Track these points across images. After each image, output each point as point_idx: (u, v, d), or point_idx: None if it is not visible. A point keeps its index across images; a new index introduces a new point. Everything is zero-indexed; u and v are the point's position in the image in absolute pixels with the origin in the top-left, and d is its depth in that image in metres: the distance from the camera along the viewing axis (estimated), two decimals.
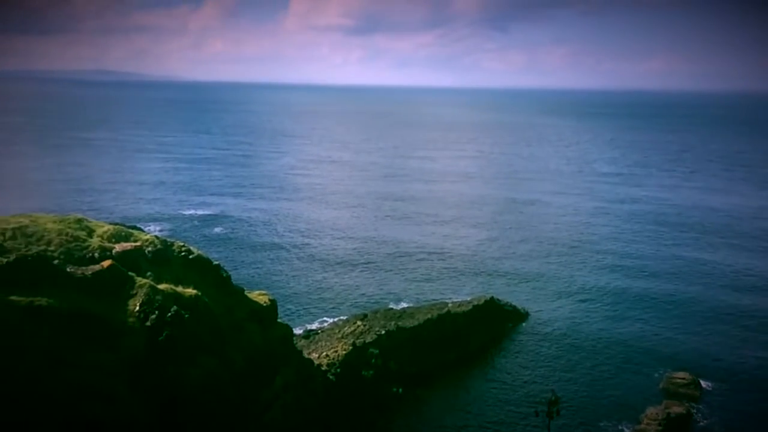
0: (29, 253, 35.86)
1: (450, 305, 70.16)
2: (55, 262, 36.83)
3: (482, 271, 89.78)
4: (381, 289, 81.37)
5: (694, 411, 53.35)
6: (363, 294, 79.53)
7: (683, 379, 57.77)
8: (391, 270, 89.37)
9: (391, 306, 73.44)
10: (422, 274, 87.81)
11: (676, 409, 51.48)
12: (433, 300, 75.64)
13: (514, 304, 75.23)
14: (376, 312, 68.92)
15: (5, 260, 34.17)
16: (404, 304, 74.28)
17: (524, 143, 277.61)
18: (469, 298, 74.35)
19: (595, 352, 64.56)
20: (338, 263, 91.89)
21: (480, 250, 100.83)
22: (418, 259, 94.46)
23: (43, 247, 39.22)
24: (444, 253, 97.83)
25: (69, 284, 35.35)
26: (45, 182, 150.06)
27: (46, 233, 41.38)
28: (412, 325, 63.44)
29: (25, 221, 42.46)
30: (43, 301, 32.86)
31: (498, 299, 74.32)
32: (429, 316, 65.93)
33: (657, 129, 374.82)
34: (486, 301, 71.85)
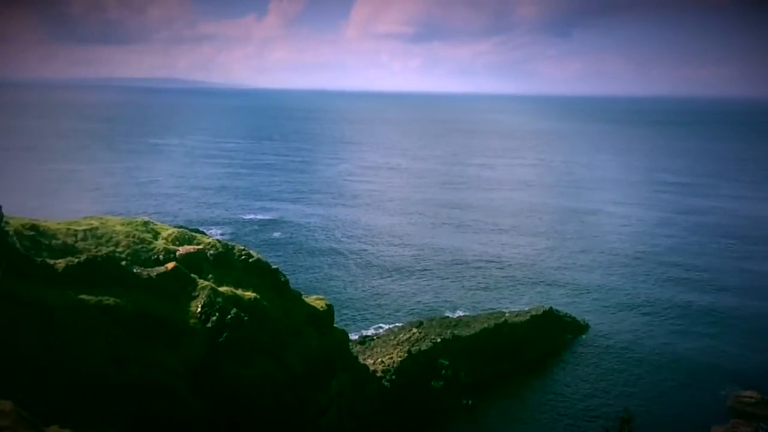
0: (99, 254, 37.38)
1: (507, 315, 69.23)
2: (123, 263, 38.28)
3: (541, 281, 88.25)
4: (437, 297, 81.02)
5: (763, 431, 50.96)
6: (419, 301, 79.36)
7: (752, 398, 55.19)
8: (447, 278, 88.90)
9: (447, 314, 73.01)
10: (479, 283, 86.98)
11: (744, 429, 49.29)
12: (490, 309, 74.80)
13: (573, 315, 73.61)
14: (431, 320, 68.67)
15: (76, 260, 35.71)
16: (460, 313, 73.72)
17: (585, 151, 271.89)
18: (527, 308, 73.19)
19: (659, 367, 62.44)
20: (395, 270, 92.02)
21: (539, 259, 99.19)
22: (475, 268, 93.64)
23: (111, 249, 40.90)
24: (502, 262, 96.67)
25: (135, 285, 36.65)
26: (116, 186, 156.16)
27: (114, 235, 43.15)
28: (468, 334, 62.87)
29: (96, 223, 44.37)
30: (110, 300, 34.18)
31: (557, 310, 72.88)
32: (485, 325, 65.22)
33: (723, 137, 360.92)
34: (544, 312, 70.57)
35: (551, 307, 72.48)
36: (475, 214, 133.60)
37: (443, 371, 57.01)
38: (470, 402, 54.55)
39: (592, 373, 61.35)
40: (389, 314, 74.78)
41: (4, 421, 20.55)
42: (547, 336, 67.33)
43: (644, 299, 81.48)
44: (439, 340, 60.58)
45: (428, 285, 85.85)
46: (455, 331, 63.00)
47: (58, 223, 43.25)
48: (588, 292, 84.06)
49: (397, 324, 70.16)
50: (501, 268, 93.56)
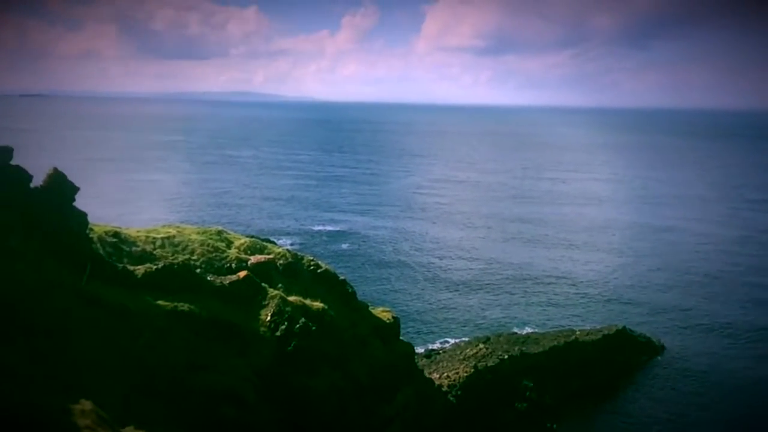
0: (175, 261, 38.78)
1: (578, 333, 67.42)
2: (198, 270, 39.55)
3: (614, 299, 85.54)
4: (505, 313, 79.80)
5: None
6: (486, 316, 78.38)
7: None
8: (516, 293, 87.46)
9: (515, 330, 71.78)
10: (549, 299, 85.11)
11: None
12: (560, 326, 73.03)
13: (648, 335, 70.96)
14: (499, 335, 67.67)
15: (154, 267, 37.16)
16: (529, 330, 72.31)
17: (662, 166, 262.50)
18: (599, 327, 71.06)
19: (740, 392, 59.29)
20: (462, 284, 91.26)
21: (612, 277, 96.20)
22: (545, 284, 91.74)
23: (187, 256, 42.36)
24: (573, 279, 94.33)
25: (208, 292, 37.78)
26: (192, 196, 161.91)
27: (190, 243, 44.67)
28: (536, 352, 61.60)
29: (173, 231, 46.08)
30: (185, 306, 35.34)
31: (631, 330, 70.43)
32: (555, 343, 63.73)
33: None
34: (617, 331, 68.34)
35: (625, 327, 70.13)
36: (545, 229, 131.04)
37: (527, 393, 55.97)
38: (555, 426, 53.16)
39: (668, 396, 58.86)
40: (456, 328, 74.16)
41: (84, 421, 21.51)
42: (620, 356, 65.14)
43: (724, 321, 77.68)
44: (506, 356, 59.60)
45: (496, 300, 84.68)
46: (523, 348, 61.84)
47: (138, 231, 45.17)
48: (664, 312, 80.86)
49: (463, 339, 69.48)
50: (572, 285, 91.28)
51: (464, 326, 74.96)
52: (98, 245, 38.40)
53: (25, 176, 35.10)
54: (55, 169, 36.57)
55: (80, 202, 37.55)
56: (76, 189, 36.97)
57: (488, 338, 66.38)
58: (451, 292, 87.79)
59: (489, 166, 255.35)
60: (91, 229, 39.11)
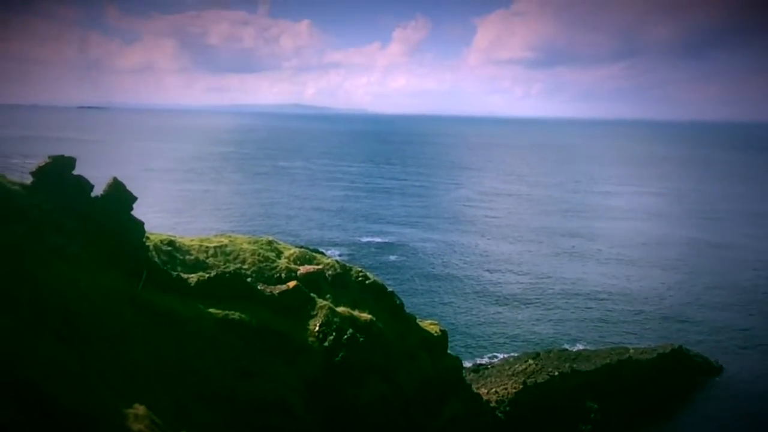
0: (227, 270, 39.48)
1: (632, 351, 65.56)
2: (248, 279, 40.13)
3: (669, 317, 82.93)
4: (555, 328, 78.28)
5: None
6: (536, 332, 77.03)
7: None
8: (567, 309, 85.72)
9: (565, 346, 70.32)
10: (601, 316, 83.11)
11: None
12: (612, 344, 71.19)
13: (705, 355, 68.49)
14: (549, 351, 66.40)
15: (207, 275, 37.91)
16: (580, 346, 70.73)
17: (718, 180, 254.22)
18: (653, 345, 68.99)
19: None
20: (511, 298, 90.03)
21: (667, 294, 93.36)
22: (597, 299, 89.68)
23: (238, 265, 43.08)
24: (626, 295, 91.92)
25: (259, 301, 38.29)
26: (244, 206, 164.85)
27: (241, 253, 45.42)
28: (588, 369, 60.14)
29: (225, 241, 46.94)
30: (236, 315, 35.89)
31: (687, 349, 68.13)
32: (607, 360, 62.11)
33: None
34: (673, 350, 66.19)
35: (681, 346, 67.90)
36: (597, 243, 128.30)
37: (592, 415, 54.73)
38: None
39: (726, 418, 56.60)
40: (504, 343, 73.12)
41: (137, 425, 22.02)
42: (675, 376, 63.04)
43: None
44: (556, 373, 58.38)
45: (546, 315, 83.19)
46: (574, 365, 60.46)
47: (192, 240, 46.19)
48: (722, 332, 77.95)
49: (512, 354, 68.45)
50: (626, 302, 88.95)
51: (513, 341, 73.85)
52: (154, 253, 39.43)
53: (86, 186, 36.38)
54: (115, 179, 37.78)
55: (137, 211, 38.67)
56: (134, 198, 38.10)
57: (538, 354, 65.21)
58: (500, 306, 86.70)
59: (540, 179, 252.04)
60: (148, 238, 40.19)
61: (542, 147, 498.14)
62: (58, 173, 35.44)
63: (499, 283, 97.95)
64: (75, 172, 36.78)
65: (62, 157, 36.12)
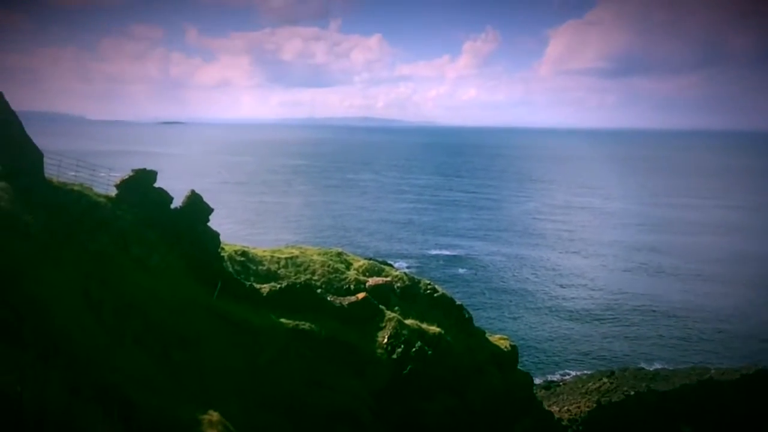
0: (298, 281, 40.20)
1: (713, 371, 62.54)
2: (318, 290, 40.70)
3: (753, 336, 78.72)
4: (631, 346, 75.58)
5: None
6: (610, 349, 74.61)
7: None
8: (643, 326, 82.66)
9: (642, 365, 67.78)
10: (680, 334, 79.71)
11: None
12: (692, 363, 68.14)
13: None
14: (624, 370, 64.20)
15: (278, 286, 38.70)
16: (657, 365, 68.02)
17: None
18: (737, 366, 65.55)
19: None
20: (584, 314, 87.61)
21: (753, 312, 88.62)
22: (675, 317, 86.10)
23: (309, 276, 43.78)
24: (707, 312, 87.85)
25: (328, 312, 38.74)
26: (314, 218, 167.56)
27: (311, 264, 46.14)
28: (666, 389, 57.72)
29: (296, 252, 47.82)
30: (306, 325, 36.44)
31: None
32: (687, 381, 59.46)
33: None
34: (759, 371, 62.64)
35: (766, 367, 64.24)
36: (675, 259, 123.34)
37: None
38: None
39: None
40: (577, 360, 71.17)
41: (212, 431, 22.64)
42: (761, 398, 59.60)
43: None
44: (632, 392, 56.35)
45: (621, 332, 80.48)
46: (651, 385, 58.21)
47: (264, 251, 47.29)
48: None
49: (585, 371, 66.53)
50: (706, 319, 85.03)
51: (586, 358, 71.78)
52: (228, 264, 40.60)
53: (166, 198, 37.91)
54: (193, 192, 39.21)
55: (213, 222, 39.97)
56: (210, 210, 39.42)
57: (613, 372, 63.14)
58: (572, 321, 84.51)
59: (613, 191, 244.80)
60: (223, 248, 41.43)
61: (616, 159, 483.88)
62: (141, 186, 37.10)
63: (571, 298, 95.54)
64: (156, 184, 38.41)
65: (144, 170, 37.79)
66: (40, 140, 35.48)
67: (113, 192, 36.94)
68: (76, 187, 34.35)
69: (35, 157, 32.33)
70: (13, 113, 31.81)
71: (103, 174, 40.48)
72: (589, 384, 59.95)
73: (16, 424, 5.48)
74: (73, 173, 36.96)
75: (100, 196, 35.57)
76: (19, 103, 33.75)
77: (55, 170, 34.96)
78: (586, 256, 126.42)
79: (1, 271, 20.81)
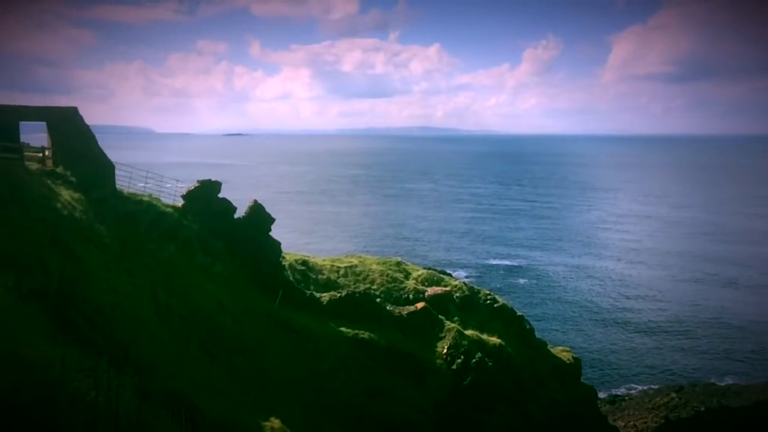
0: (357, 290, 40.45)
1: None
2: (377, 300, 40.83)
3: None
4: (701, 360, 72.60)
5: None
6: (678, 363, 71.85)
7: None
8: (713, 339, 79.28)
9: (712, 380, 64.97)
10: (752, 348, 76.05)
11: None
12: (766, 378, 64.91)
13: None
14: (694, 385, 61.71)
15: (338, 295, 39.04)
16: (729, 380, 65.07)
17: None
18: None
19: None
20: (651, 327, 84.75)
21: None
22: (747, 330, 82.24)
23: (368, 286, 43.99)
24: None
25: (387, 321, 38.81)
26: (372, 227, 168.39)
27: (370, 273, 46.36)
28: (738, 405, 55.16)
29: (355, 261, 48.15)
30: (365, 334, 36.60)
31: None
32: (761, 397, 56.68)
33: None
34: None
35: None
36: (746, 270, 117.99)
37: None
38: None
39: None
40: (643, 374, 68.82)
41: None
42: None
43: None
44: (703, 408, 54.11)
45: (690, 345, 77.44)
46: (723, 401, 55.74)
47: (324, 260, 47.83)
48: None
49: (652, 386, 64.26)
50: None
51: (653, 372, 69.33)
52: (289, 272, 41.23)
53: (230, 208, 38.88)
54: (256, 202, 40.08)
55: (274, 231, 40.69)
56: (272, 220, 40.18)
57: (681, 387, 60.80)
58: (638, 334, 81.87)
59: (680, 200, 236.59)
60: (284, 257, 42.12)
61: (683, 166, 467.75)
62: (206, 196, 38.18)
63: (637, 309, 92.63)
64: (219, 194, 39.44)
65: (209, 181, 38.89)
66: (112, 153, 36.99)
67: (180, 202, 38.15)
68: (145, 198, 35.62)
69: (108, 169, 33.71)
70: (88, 128, 33.30)
71: (169, 185, 41.86)
72: (657, 399, 57.91)
73: (92, 430, 5.69)
74: (142, 184, 38.34)
75: (167, 206, 36.78)
76: (92, 117, 35.38)
77: (125, 182, 36.37)
78: (652, 266, 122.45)
79: (76, 279, 21.74)
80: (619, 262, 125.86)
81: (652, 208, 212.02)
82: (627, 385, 65.33)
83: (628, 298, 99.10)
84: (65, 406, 6.07)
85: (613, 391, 63.30)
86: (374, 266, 47.59)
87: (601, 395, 58.97)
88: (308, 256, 47.35)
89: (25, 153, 30.14)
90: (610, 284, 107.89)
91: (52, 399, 6.13)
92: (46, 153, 32.34)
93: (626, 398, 60.50)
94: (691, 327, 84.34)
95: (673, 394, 58.03)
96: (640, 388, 64.20)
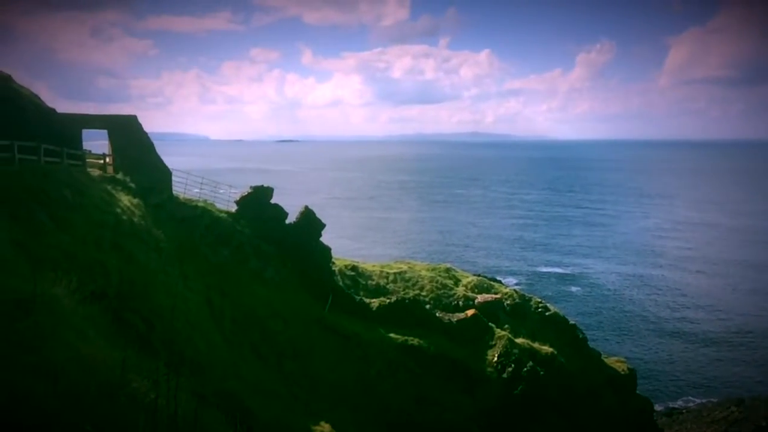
0: (407, 296, 40.41)
1: None
2: (427, 306, 40.71)
3: None
4: (763, 373, 69.71)
5: None
6: (739, 375, 69.18)
7: None
8: None
9: None
10: None
11: None
12: None
13: None
14: (755, 398, 59.24)
15: (387, 301, 39.08)
16: None
17: None
18: None
19: None
20: (710, 337, 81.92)
21: None
22: None
23: (417, 292, 43.90)
24: None
25: (437, 328, 38.64)
26: (421, 233, 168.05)
27: (420, 279, 46.26)
28: None
29: (405, 267, 48.14)
30: (415, 341, 36.51)
31: None
32: None
33: None
34: None
35: None
36: None
37: None
38: None
39: None
40: (702, 387, 66.52)
41: None
42: None
43: None
44: (764, 423, 51.88)
45: (751, 357, 74.50)
46: None
47: (373, 266, 47.98)
48: None
49: (711, 399, 62.03)
50: None
51: (712, 385, 66.95)
52: (339, 278, 41.52)
53: (282, 213, 39.43)
54: (307, 207, 40.54)
55: (324, 237, 41.05)
56: (323, 225, 40.57)
57: (742, 400, 58.45)
58: (696, 345, 79.25)
59: (740, 207, 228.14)
60: (333, 263, 42.44)
61: (744, 172, 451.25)
62: (258, 202, 38.85)
63: (695, 320, 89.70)
64: (271, 200, 40.06)
65: (262, 187, 39.57)
66: (169, 159, 38.04)
67: (233, 207, 38.92)
68: (200, 203, 36.49)
69: (165, 175, 34.67)
70: (146, 135, 34.34)
71: (223, 190, 42.77)
72: (716, 413, 55.84)
73: (152, 431, 5.83)
74: (197, 190, 39.29)
75: (221, 211, 37.58)
76: (150, 125, 36.48)
77: (182, 187, 37.34)
78: (710, 275, 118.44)
79: (134, 281, 22.39)
80: (676, 271, 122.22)
81: (710, 216, 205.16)
82: (685, 398, 63.26)
83: (685, 307, 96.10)
84: (126, 407, 6.25)
85: (670, 404, 61.37)
86: (423, 272, 47.48)
87: (658, 408, 57.23)
88: (358, 262, 47.58)
89: (87, 160, 31.26)
90: (667, 293, 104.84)
91: (114, 399, 6.31)
92: (107, 160, 33.48)
93: (684, 411, 58.56)
94: (753, 338, 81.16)
95: (733, 408, 55.84)
96: (698, 400, 62.09)
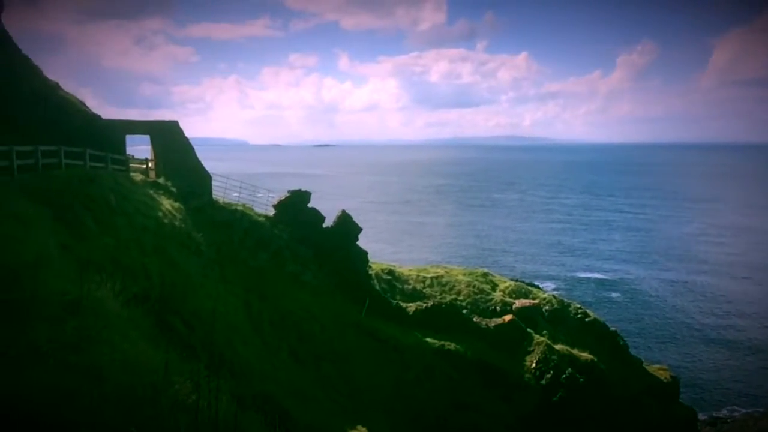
0: (444, 301, 40.25)
1: None
2: (464, 311, 40.48)
3: None
4: None
5: None
6: None
7: None
8: None
9: None
10: None
11: None
12: None
13: None
14: None
15: (424, 305, 38.99)
16: None
17: None
18: None
19: None
20: (756, 345, 79.53)
21: None
22: None
23: (454, 296, 43.70)
24: None
25: (474, 333, 38.38)
26: (458, 237, 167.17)
27: (456, 284, 46.03)
28: None
29: (441, 272, 47.97)
30: (451, 345, 36.33)
31: None
32: None
33: None
34: None
35: None
36: None
37: None
38: None
39: None
40: (747, 396, 64.57)
41: None
42: None
43: None
44: None
45: None
46: None
47: (410, 270, 47.91)
48: None
49: (757, 409, 60.18)
50: None
51: (757, 394, 64.94)
52: (375, 282, 41.57)
53: (319, 217, 39.70)
54: (344, 212, 40.74)
55: (360, 241, 41.16)
56: (359, 229, 40.70)
57: None
58: (742, 353, 77.03)
59: None
60: (370, 267, 42.52)
61: None
62: (296, 206, 39.20)
63: (741, 327, 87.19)
64: (309, 204, 40.36)
65: (299, 191, 39.92)
66: (209, 164, 38.66)
67: (271, 212, 39.34)
68: (239, 207, 36.99)
69: (205, 179, 35.26)
70: (187, 140, 34.98)
71: (261, 194, 43.27)
72: (762, 422, 54.22)
73: None
74: (236, 194, 39.83)
75: (259, 215, 38.02)
76: (191, 130, 37.16)
77: (221, 192, 37.92)
78: (757, 282, 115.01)
79: (175, 284, 22.79)
80: (720, 277, 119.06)
81: (757, 220, 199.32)
82: (729, 407, 61.50)
83: (731, 315, 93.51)
84: (169, 409, 6.35)
85: (714, 413, 59.71)
86: (460, 277, 47.23)
87: (701, 417, 55.75)
88: (394, 266, 47.57)
89: (130, 164, 32.01)
90: (712, 300, 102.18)
91: (157, 401, 6.42)
92: (150, 164, 34.21)
93: (728, 420, 56.95)
94: None
95: None
96: (744, 410, 60.29)
